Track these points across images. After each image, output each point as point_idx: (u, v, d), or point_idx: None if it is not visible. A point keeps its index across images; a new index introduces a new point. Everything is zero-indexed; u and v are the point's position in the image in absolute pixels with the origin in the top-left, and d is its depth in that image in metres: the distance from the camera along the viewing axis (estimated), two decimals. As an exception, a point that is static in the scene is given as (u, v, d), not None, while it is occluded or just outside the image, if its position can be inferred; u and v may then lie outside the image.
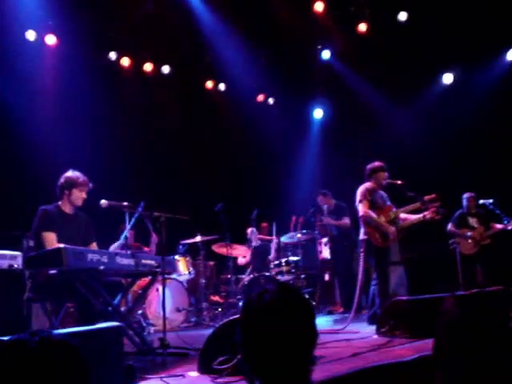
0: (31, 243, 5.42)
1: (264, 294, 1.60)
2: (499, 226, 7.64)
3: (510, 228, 7.51)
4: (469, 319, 1.21)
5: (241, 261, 8.81)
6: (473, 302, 1.26)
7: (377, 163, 6.32)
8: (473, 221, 7.81)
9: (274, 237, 8.52)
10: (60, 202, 4.73)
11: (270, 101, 10.62)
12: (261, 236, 8.83)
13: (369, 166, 6.34)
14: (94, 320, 3.91)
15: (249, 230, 8.79)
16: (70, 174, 4.73)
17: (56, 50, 8.12)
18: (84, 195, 4.74)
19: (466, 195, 7.86)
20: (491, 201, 7.63)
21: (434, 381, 1.28)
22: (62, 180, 4.72)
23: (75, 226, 4.73)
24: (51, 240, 4.44)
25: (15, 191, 7.38)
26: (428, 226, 6.33)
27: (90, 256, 4.13)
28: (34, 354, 1.31)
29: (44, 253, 4.21)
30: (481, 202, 7.73)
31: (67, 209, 4.72)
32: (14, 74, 7.59)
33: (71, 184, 4.68)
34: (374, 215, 6.07)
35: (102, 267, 4.17)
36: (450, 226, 7.82)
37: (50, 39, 8.00)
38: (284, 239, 8.33)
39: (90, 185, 4.79)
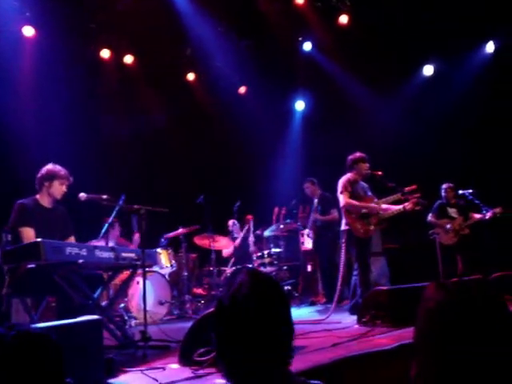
0: (9, 238, 5.37)
1: (238, 289, 1.57)
2: (478, 216, 7.72)
3: (487, 218, 7.60)
4: (451, 306, 1.21)
5: (226, 252, 8.80)
6: (455, 289, 1.27)
7: (358, 154, 6.34)
8: (452, 211, 7.88)
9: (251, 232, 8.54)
10: (38, 196, 4.68)
11: (252, 92, 10.57)
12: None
13: (350, 157, 6.36)
14: (73, 314, 3.87)
15: (230, 222, 8.78)
16: (51, 166, 4.71)
17: (34, 42, 7.98)
18: (64, 188, 4.70)
19: (444, 186, 7.93)
20: (470, 191, 7.71)
21: (411, 368, 1.29)
22: (42, 171, 4.67)
23: (53, 219, 4.68)
24: (29, 235, 4.40)
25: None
26: (408, 216, 6.39)
27: (68, 249, 4.10)
28: (11, 348, 1.32)
29: (21, 247, 4.17)
30: (460, 192, 7.81)
31: (45, 202, 4.67)
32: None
33: (52, 176, 4.64)
34: (355, 203, 6.11)
35: (80, 260, 4.14)
36: (429, 217, 7.89)
37: (28, 31, 7.85)
38: (267, 233, 8.35)
39: (71, 179, 4.75)
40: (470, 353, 1.16)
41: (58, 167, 4.70)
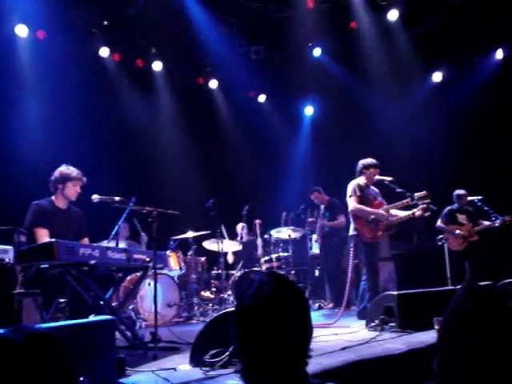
0: (22, 238, 5.41)
1: (259, 287, 1.57)
2: (487, 223, 7.70)
3: (497, 225, 7.58)
4: (482, 310, 1.22)
5: (230, 258, 8.83)
6: (486, 293, 1.28)
7: (369, 160, 6.36)
8: (461, 217, 7.85)
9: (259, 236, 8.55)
10: (53, 197, 4.73)
11: (262, 97, 10.63)
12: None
13: (361, 162, 6.38)
14: (85, 314, 3.91)
15: (239, 226, 8.78)
16: (64, 168, 4.75)
17: (45, 44, 8.04)
18: (78, 189, 4.75)
19: (460, 193, 7.80)
20: (480, 198, 7.69)
21: (434, 367, 1.29)
22: (56, 174, 4.71)
23: (68, 220, 4.73)
24: (43, 236, 4.44)
25: (5, 186, 7.33)
26: (417, 222, 6.38)
27: (81, 250, 4.13)
28: (21, 351, 1.28)
29: (36, 247, 4.20)
30: (469, 198, 7.78)
31: (60, 203, 4.72)
32: (2, 67, 7.54)
33: (65, 178, 4.69)
34: (364, 207, 6.12)
35: (93, 261, 4.17)
36: (439, 223, 7.86)
37: (40, 33, 7.92)
38: (274, 233, 8.34)
39: (84, 179, 4.80)
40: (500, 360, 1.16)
41: (70, 168, 4.75)
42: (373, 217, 6.13)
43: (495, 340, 1.17)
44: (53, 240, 3.99)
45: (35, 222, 4.49)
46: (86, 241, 4.80)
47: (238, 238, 8.82)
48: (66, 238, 4.36)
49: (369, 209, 6.14)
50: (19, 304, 5.13)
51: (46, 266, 4.22)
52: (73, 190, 4.72)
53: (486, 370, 1.16)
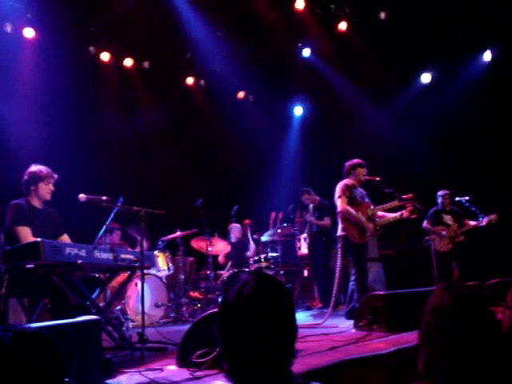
0: (2, 238, 5.35)
1: (243, 288, 1.56)
2: (473, 223, 7.74)
3: (483, 225, 7.62)
4: (459, 307, 1.22)
5: (221, 259, 8.81)
6: (463, 291, 1.28)
7: (356, 160, 6.37)
8: (447, 218, 7.90)
9: (250, 237, 8.53)
10: (29, 197, 4.66)
11: (251, 98, 10.62)
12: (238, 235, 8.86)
13: (348, 163, 6.39)
14: (70, 315, 3.87)
15: (233, 225, 8.73)
16: (32, 168, 4.65)
17: (34, 44, 7.99)
18: (51, 187, 4.67)
19: (441, 193, 7.93)
20: (467, 198, 7.73)
21: (417, 367, 1.29)
22: (25, 176, 4.63)
23: (44, 220, 4.66)
24: (26, 234, 4.37)
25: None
26: (404, 223, 6.40)
27: (67, 250, 4.09)
28: (10, 349, 1.30)
29: (21, 246, 4.14)
30: (457, 199, 7.82)
31: (36, 203, 4.65)
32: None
33: (36, 178, 4.60)
34: (352, 211, 6.12)
35: (79, 261, 4.13)
36: (425, 224, 7.90)
37: (29, 32, 7.87)
38: (265, 238, 8.34)
39: (55, 176, 4.70)
40: (479, 354, 1.16)
41: (39, 168, 4.65)
42: (358, 221, 6.12)
43: (475, 338, 1.17)
44: (39, 239, 3.94)
45: (17, 220, 4.42)
46: (66, 237, 4.75)
47: (233, 240, 8.79)
48: (46, 236, 4.28)
49: (356, 214, 6.13)
50: (5, 305, 5.08)
51: (32, 266, 4.17)
52: (46, 189, 4.64)
53: (468, 368, 1.16)
